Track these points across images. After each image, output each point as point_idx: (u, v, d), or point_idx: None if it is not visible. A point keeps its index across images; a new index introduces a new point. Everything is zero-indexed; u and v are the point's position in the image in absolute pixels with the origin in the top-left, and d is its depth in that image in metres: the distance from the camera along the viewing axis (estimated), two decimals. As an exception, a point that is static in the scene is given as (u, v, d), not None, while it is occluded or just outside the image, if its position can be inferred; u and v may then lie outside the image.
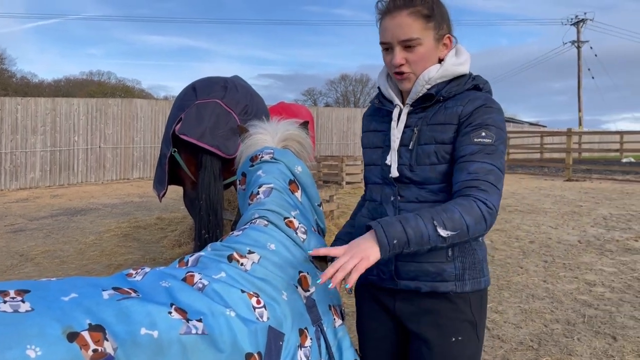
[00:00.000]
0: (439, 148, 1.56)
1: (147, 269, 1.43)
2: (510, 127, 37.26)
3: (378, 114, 1.76)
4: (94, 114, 15.90)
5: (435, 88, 1.60)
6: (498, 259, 6.05)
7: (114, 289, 1.25)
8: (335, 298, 1.68)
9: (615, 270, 5.53)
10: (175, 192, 5.05)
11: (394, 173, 1.61)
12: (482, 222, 1.41)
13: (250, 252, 1.55)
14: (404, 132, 1.62)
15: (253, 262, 1.53)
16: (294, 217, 1.74)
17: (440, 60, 1.62)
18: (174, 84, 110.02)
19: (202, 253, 1.57)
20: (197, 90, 4.14)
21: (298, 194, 1.85)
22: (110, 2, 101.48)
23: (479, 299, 1.60)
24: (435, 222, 1.38)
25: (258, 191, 1.80)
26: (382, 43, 1.62)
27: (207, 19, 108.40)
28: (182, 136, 3.88)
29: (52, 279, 1.25)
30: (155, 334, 1.17)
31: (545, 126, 45.06)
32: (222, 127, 3.93)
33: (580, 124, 35.84)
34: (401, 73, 1.59)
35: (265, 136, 1.97)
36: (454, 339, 1.56)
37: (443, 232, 1.38)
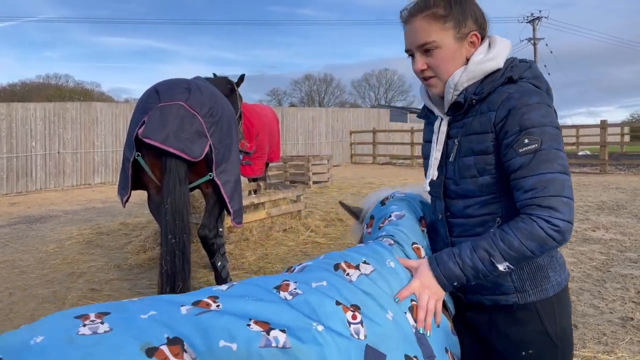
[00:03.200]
0: (478, 160, 1.48)
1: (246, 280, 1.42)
2: (471, 123, 38.02)
3: (430, 123, 1.69)
4: (51, 119, 15.42)
5: (464, 93, 1.51)
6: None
7: (194, 303, 1.25)
8: (453, 344, 1.52)
9: (575, 260, 5.73)
10: (139, 196, 4.97)
11: (426, 187, 1.64)
12: (548, 241, 1.33)
13: (365, 263, 1.46)
14: (447, 144, 1.57)
15: (361, 274, 1.42)
16: (422, 247, 1.63)
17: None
18: (136, 87, 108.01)
19: (309, 262, 1.50)
20: (160, 93, 4.07)
21: (425, 231, 1.75)
22: (68, 3, 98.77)
23: (550, 306, 1.50)
24: (492, 258, 1.37)
25: (390, 215, 1.72)
26: (405, 51, 1.58)
27: (169, 19, 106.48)
28: (145, 139, 3.81)
29: (133, 300, 1.27)
30: (234, 346, 1.16)
31: (505, 122, 46.06)
32: (187, 129, 3.89)
33: (538, 119, 36.91)
34: (426, 78, 1.55)
35: (386, 192, 1.95)
36: (524, 353, 1.49)
37: (501, 267, 1.37)
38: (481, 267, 1.38)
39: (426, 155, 1.68)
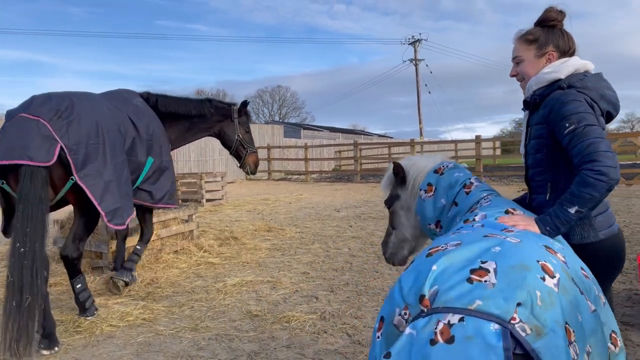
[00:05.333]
0: (536, 142, 2.16)
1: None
2: (361, 139, 39.59)
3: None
4: None
5: (533, 95, 2.18)
6: (355, 265, 6.34)
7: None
8: None
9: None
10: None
11: (523, 159, 2.32)
12: (599, 184, 1.82)
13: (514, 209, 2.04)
14: (526, 130, 2.26)
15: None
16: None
17: None
18: (11, 101, 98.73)
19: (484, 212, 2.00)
20: (7, 113, 3.99)
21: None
22: None
23: (580, 252, 1.96)
24: (563, 205, 1.89)
25: (471, 182, 2.29)
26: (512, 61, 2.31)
27: (49, 31, 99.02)
28: None
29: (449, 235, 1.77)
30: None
31: (392, 137, 48.67)
32: (28, 136, 3.68)
33: (421, 135, 39.35)
34: (519, 81, 2.29)
35: (425, 162, 2.47)
36: None
37: (571, 209, 1.87)
38: (560, 214, 1.88)
39: None
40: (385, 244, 2.64)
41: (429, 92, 45.02)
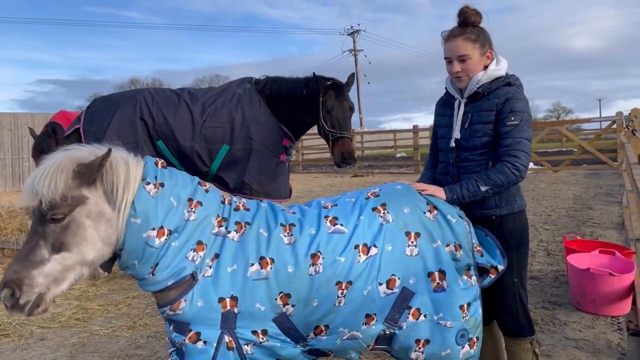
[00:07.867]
0: (484, 127, 2.43)
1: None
2: (303, 129, 39.46)
3: (447, 104, 2.65)
4: None
5: (482, 87, 2.45)
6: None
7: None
8: None
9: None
10: None
11: (452, 144, 2.53)
12: (511, 176, 2.29)
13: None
14: (463, 117, 2.50)
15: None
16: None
17: (485, 67, 2.47)
18: None
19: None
20: None
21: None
22: None
23: (512, 218, 2.46)
24: (477, 183, 2.32)
25: (204, 182, 2.14)
26: (445, 58, 2.51)
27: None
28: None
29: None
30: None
31: (333, 127, 48.70)
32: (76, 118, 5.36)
33: (361, 125, 39.87)
34: (458, 77, 2.48)
35: (123, 151, 1.99)
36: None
37: (483, 187, 2.31)
38: (472, 188, 2.32)
39: (441, 125, 2.66)
40: (24, 282, 1.74)
41: (369, 83, 45.68)
